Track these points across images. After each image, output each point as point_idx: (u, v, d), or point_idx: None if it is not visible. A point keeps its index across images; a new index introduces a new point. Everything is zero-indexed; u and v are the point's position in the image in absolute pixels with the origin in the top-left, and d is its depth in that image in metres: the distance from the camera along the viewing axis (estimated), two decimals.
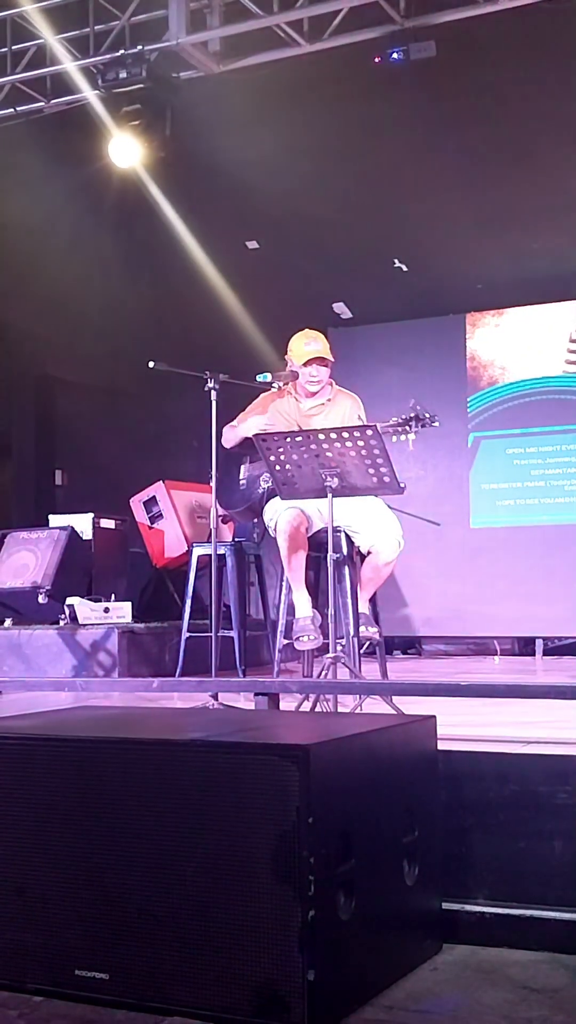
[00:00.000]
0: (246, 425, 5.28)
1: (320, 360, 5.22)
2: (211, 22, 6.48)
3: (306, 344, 5.26)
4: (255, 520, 5.42)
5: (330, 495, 4.39)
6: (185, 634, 5.89)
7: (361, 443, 4.29)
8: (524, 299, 8.25)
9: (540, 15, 6.06)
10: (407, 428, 4.72)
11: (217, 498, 5.24)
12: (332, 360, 5.30)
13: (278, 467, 4.49)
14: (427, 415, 4.73)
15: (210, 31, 6.48)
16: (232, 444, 5.38)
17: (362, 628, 4.90)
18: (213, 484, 5.18)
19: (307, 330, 5.36)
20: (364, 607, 4.98)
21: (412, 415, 4.72)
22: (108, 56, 6.62)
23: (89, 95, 6.89)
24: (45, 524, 7.59)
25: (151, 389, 8.57)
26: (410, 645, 8.76)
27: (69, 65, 6.87)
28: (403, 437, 4.73)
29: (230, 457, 5.47)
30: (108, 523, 7.56)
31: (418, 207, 7.73)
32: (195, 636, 5.83)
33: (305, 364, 5.22)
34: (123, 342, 8.96)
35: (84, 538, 7.34)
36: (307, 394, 5.28)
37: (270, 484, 4.99)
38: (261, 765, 2.44)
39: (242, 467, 5.49)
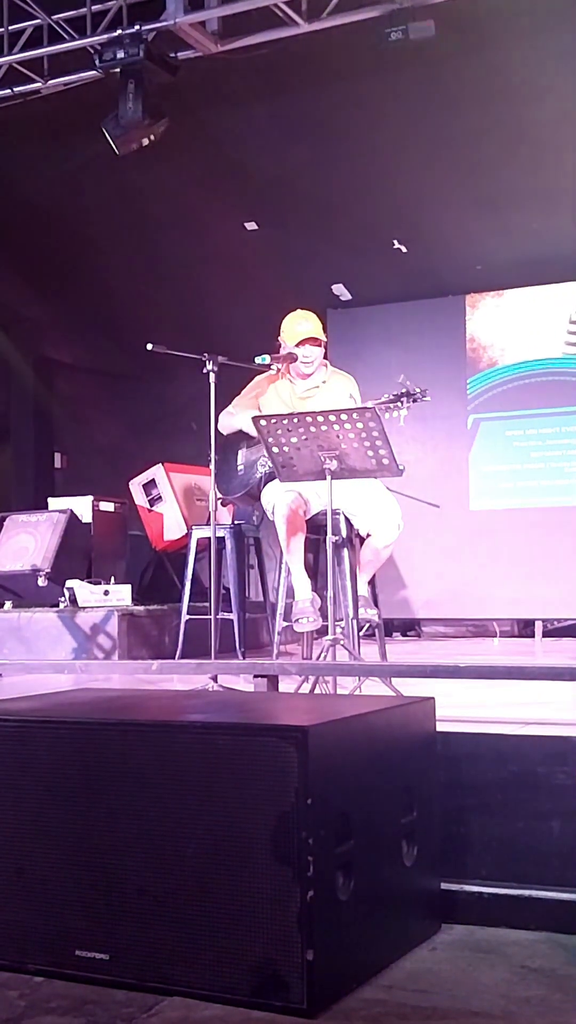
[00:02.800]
0: (240, 418, 5.26)
1: (312, 340, 5.21)
2: (209, 2, 6.43)
3: (298, 325, 5.24)
4: (254, 505, 5.42)
5: (329, 478, 4.39)
6: (184, 616, 5.89)
7: (360, 425, 4.28)
8: (524, 280, 8.22)
9: None
10: (398, 404, 4.72)
11: (216, 483, 5.24)
12: (324, 340, 5.27)
13: (276, 450, 4.48)
14: (417, 389, 4.72)
15: (208, 11, 6.43)
16: (228, 432, 5.37)
17: (361, 610, 4.90)
18: (212, 467, 5.17)
19: (299, 311, 5.34)
20: (363, 589, 4.98)
21: (402, 391, 4.71)
22: (105, 36, 6.58)
23: (85, 76, 6.87)
24: (44, 507, 7.59)
25: (150, 371, 8.57)
26: (409, 627, 8.77)
27: (66, 46, 6.83)
28: (395, 414, 4.73)
29: (228, 441, 5.46)
30: (107, 506, 7.56)
31: (417, 188, 7.70)
32: (194, 619, 5.83)
33: (297, 345, 5.21)
34: (121, 324, 8.94)
35: (83, 521, 7.34)
36: (300, 375, 5.26)
37: (268, 468, 4.99)
38: (260, 746, 2.44)
39: (240, 452, 5.48)
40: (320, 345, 5.24)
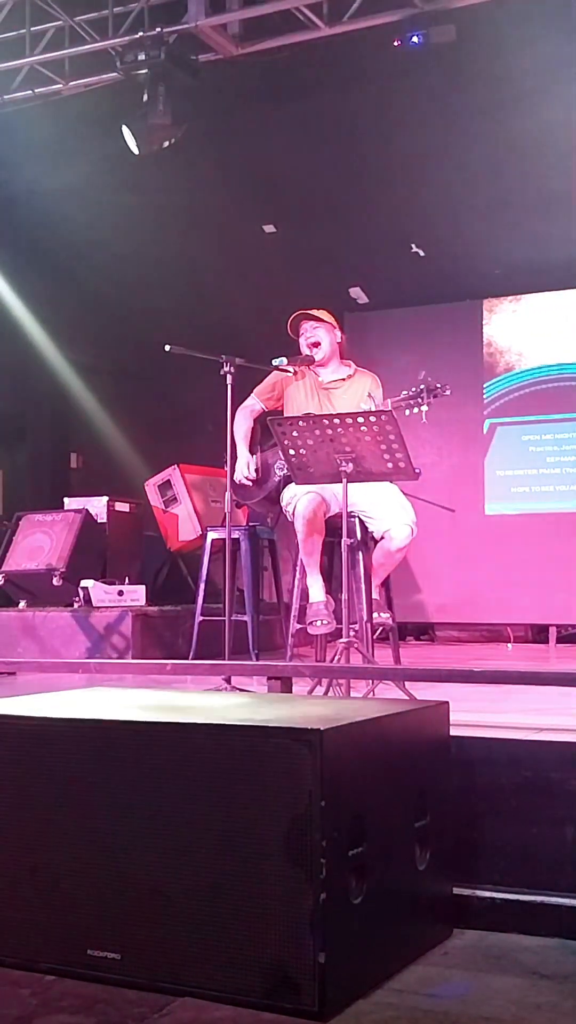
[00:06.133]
0: (239, 452, 5.28)
1: (306, 317, 5.22)
2: (230, 4, 6.45)
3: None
4: (270, 506, 5.42)
5: (345, 480, 4.39)
6: (199, 618, 5.90)
7: (376, 428, 4.28)
8: (542, 285, 8.21)
9: None
10: (419, 400, 4.72)
11: (232, 490, 5.24)
12: (328, 323, 5.26)
13: (293, 452, 4.48)
14: (438, 385, 4.73)
15: (229, 13, 6.46)
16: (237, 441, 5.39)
17: (375, 613, 4.90)
18: (228, 468, 5.18)
19: None
20: (377, 592, 4.98)
21: (422, 387, 4.71)
22: (127, 38, 6.60)
23: (105, 78, 6.90)
24: (60, 507, 7.61)
25: (166, 372, 8.57)
26: (423, 631, 8.76)
27: (87, 47, 6.86)
28: (416, 410, 4.73)
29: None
30: (123, 506, 7.57)
31: (435, 191, 7.70)
32: (208, 620, 5.84)
33: (299, 333, 5.23)
34: (139, 325, 8.95)
35: (99, 521, 7.36)
36: (315, 363, 5.27)
37: (285, 471, 4.99)
38: (274, 748, 2.44)
39: (255, 456, 5.47)
40: (320, 323, 5.24)
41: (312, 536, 4.87)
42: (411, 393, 4.73)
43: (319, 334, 5.24)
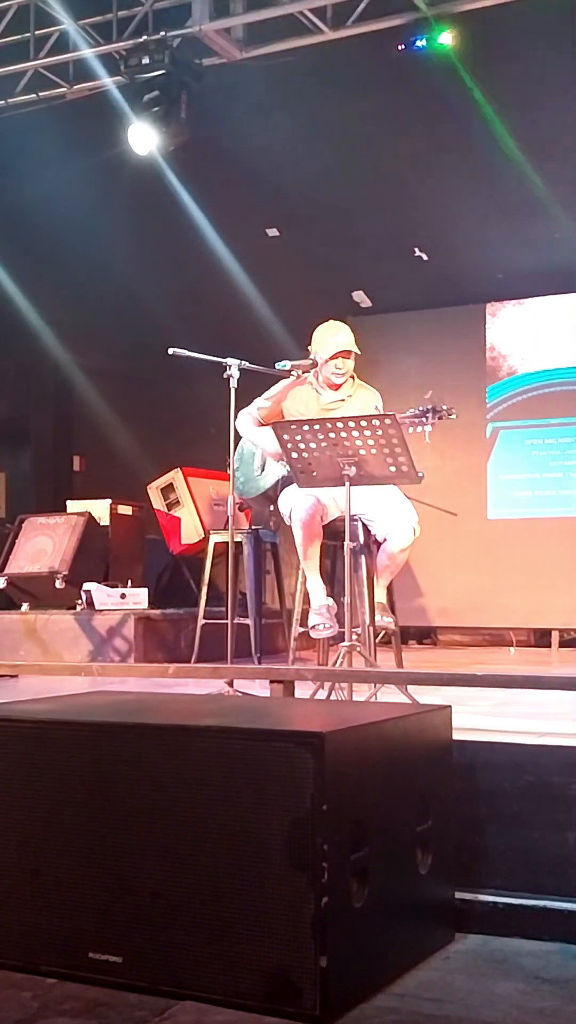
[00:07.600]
0: (259, 435, 5.23)
1: (346, 353, 5.18)
2: (234, 8, 6.48)
3: (332, 336, 5.20)
4: (271, 508, 5.41)
5: (347, 484, 4.38)
6: (201, 621, 5.90)
7: (380, 432, 4.28)
8: (544, 289, 8.21)
9: (564, 2, 6.03)
10: (424, 420, 4.71)
11: (232, 485, 5.24)
12: (358, 352, 5.25)
13: (295, 455, 4.48)
14: (444, 407, 4.72)
15: (233, 17, 6.48)
16: (248, 436, 5.36)
17: (378, 617, 4.89)
18: (231, 471, 5.18)
19: (332, 322, 5.29)
20: (380, 596, 4.97)
21: (429, 407, 4.71)
22: (131, 42, 6.61)
23: (109, 81, 6.90)
24: (63, 510, 7.61)
25: (169, 376, 8.58)
26: (425, 635, 8.76)
27: (92, 51, 6.87)
28: (420, 429, 4.72)
29: (247, 443, 5.46)
30: (125, 509, 7.58)
31: (439, 196, 7.70)
32: (211, 623, 5.83)
33: (331, 358, 5.17)
34: (142, 328, 8.96)
35: (101, 524, 7.36)
36: (331, 386, 5.23)
37: (286, 471, 4.99)
38: (276, 752, 2.44)
39: (256, 454, 5.47)
40: (352, 357, 5.20)
41: (310, 541, 4.86)
42: (417, 412, 4.72)
43: (348, 366, 5.21)
